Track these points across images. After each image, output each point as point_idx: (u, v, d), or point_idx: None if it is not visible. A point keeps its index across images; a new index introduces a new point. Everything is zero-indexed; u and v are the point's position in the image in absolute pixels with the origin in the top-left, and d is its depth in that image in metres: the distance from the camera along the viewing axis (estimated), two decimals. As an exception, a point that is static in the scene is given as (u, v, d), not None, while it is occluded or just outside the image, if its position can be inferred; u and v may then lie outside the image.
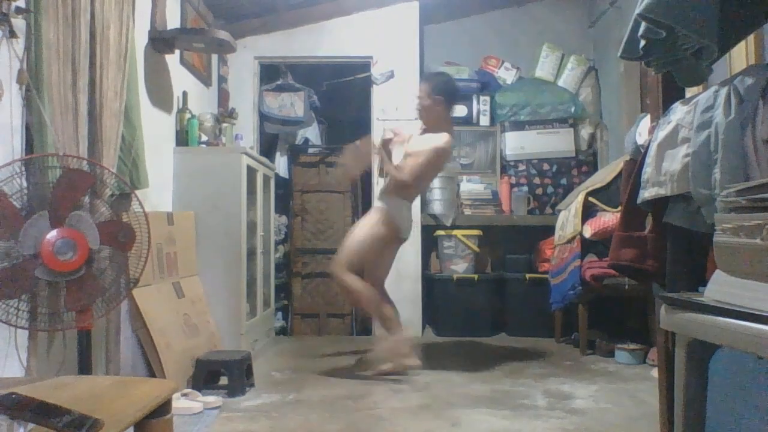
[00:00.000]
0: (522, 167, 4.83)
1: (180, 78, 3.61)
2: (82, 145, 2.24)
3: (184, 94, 3.60)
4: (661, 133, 1.70)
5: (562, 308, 4.04)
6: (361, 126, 4.98)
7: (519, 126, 4.82)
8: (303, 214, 4.82)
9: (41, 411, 1.00)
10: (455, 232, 4.48)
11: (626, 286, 3.50)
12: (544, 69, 4.93)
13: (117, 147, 2.49)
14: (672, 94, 1.85)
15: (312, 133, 5.25)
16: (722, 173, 1.45)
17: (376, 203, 3.55)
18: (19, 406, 0.99)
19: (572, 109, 4.79)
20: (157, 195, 3.22)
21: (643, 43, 1.62)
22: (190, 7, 3.72)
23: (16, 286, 1.80)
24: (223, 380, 2.95)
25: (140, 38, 3.03)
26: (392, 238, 3.40)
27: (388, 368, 3.28)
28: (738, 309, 1.17)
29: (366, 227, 3.40)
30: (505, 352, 3.91)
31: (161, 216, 3.10)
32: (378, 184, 4.67)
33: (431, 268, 4.68)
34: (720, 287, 1.28)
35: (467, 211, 4.66)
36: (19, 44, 2.05)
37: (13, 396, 0.99)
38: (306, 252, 4.78)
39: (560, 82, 4.90)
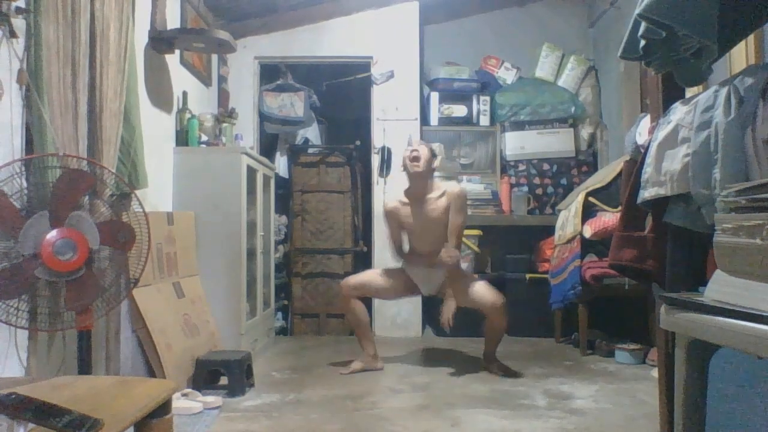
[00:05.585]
0: (522, 167, 4.83)
1: (180, 78, 3.61)
2: (82, 145, 2.24)
3: (184, 94, 3.60)
4: (661, 133, 1.70)
5: (562, 308, 4.04)
6: (361, 126, 4.99)
7: (519, 126, 4.82)
8: (303, 214, 4.82)
9: (41, 411, 1.00)
10: (455, 232, 4.47)
11: (626, 286, 3.50)
12: (544, 69, 4.93)
13: (117, 147, 2.49)
14: (672, 94, 1.85)
15: (312, 133, 5.25)
16: (722, 173, 1.45)
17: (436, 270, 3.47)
18: (19, 406, 0.99)
19: (572, 109, 4.79)
20: (157, 195, 3.22)
21: (643, 43, 1.62)
22: (190, 7, 3.72)
23: (16, 286, 1.80)
24: (223, 380, 2.95)
25: (140, 38, 3.03)
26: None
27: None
28: (738, 309, 1.17)
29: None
30: (505, 352, 3.90)
31: (161, 216, 3.10)
32: (377, 184, 4.68)
33: (431, 268, 4.67)
34: (720, 287, 1.28)
35: (467, 211, 4.66)
36: (19, 44, 2.05)
37: (13, 396, 0.99)
38: (306, 252, 4.78)
39: (560, 82, 4.90)
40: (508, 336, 4.45)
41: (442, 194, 3.43)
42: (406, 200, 3.50)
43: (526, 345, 4.14)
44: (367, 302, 4.79)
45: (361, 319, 3.50)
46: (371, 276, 3.59)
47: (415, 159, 3.39)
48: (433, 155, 3.50)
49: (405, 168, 3.46)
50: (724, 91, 1.51)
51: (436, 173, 3.65)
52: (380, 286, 3.53)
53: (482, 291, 3.40)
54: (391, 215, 3.53)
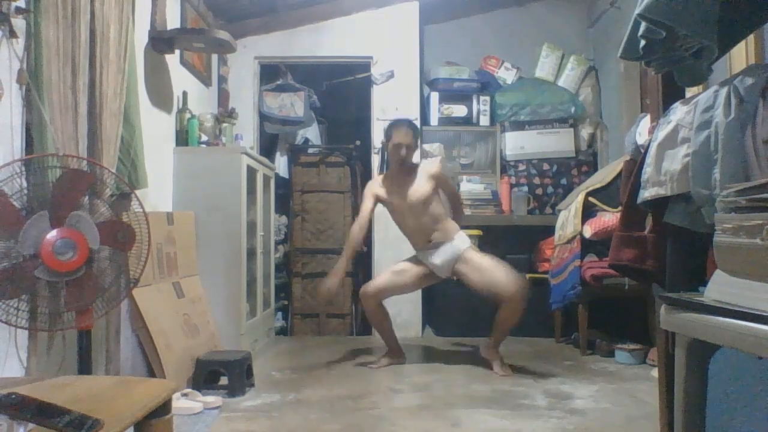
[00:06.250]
0: (522, 167, 4.83)
1: (180, 78, 3.61)
2: (82, 145, 2.24)
3: (184, 94, 3.60)
4: (661, 133, 1.70)
5: (562, 308, 4.04)
6: (361, 126, 4.99)
7: (519, 126, 4.82)
8: (303, 214, 4.82)
9: (41, 411, 1.00)
10: (455, 232, 4.47)
11: (626, 286, 3.50)
12: (544, 69, 4.93)
13: (117, 147, 2.49)
14: (672, 94, 1.85)
15: (312, 133, 5.25)
16: (722, 173, 1.45)
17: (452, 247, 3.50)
18: (19, 406, 0.98)
19: (572, 109, 4.79)
20: (157, 195, 3.22)
21: (643, 43, 1.62)
22: (190, 7, 3.72)
23: (16, 286, 1.80)
24: (223, 380, 2.95)
25: (140, 38, 3.03)
26: None
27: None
28: (738, 309, 1.17)
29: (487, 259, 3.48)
30: (505, 352, 3.90)
31: (161, 216, 3.10)
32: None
33: (431, 268, 4.67)
34: (720, 287, 1.28)
35: (467, 211, 4.66)
36: (19, 44, 2.05)
37: (13, 396, 0.99)
38: (306, 252, 4.78)
39: (560, 82, 4.90)
40: (508, 336, 4.46)
41: (422, 174, 3.48)
42: (388, 183, 3.55)
43: (526, 345, 4.14)
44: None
45: (383, 323, 3.62)
46: (387, 278, 3.59)
47: (407, 149, 3.45)
48: (415, 135, 3.54)
49: (392, 156, 3.53)
50: (724, 91, 1.51)
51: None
52: (398, 284, 3.58)
53: (499, 272, 3.36)
54: (373, 196, 3.54)
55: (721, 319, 1.20)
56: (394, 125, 3.53)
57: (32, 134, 2.09)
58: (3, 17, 1.95)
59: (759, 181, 1.22)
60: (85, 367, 2.02)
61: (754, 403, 1.65)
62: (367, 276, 4.75)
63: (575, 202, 3.98)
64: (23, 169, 1.92)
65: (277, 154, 4.95)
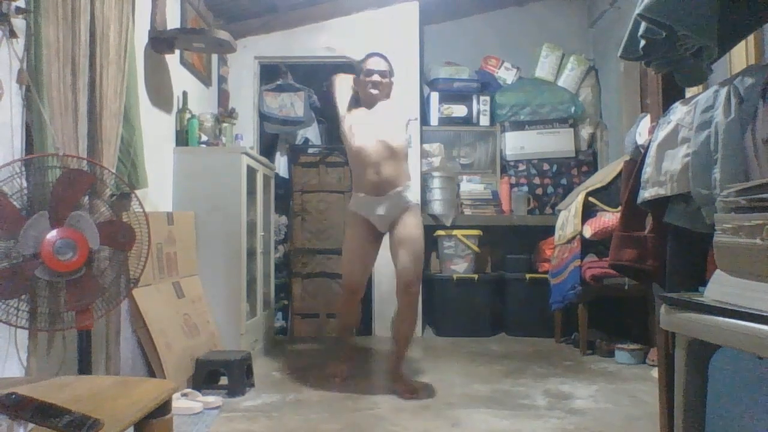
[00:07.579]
0: (522, 167, 4.83)
1: (180, 78, 3.61)
2: (82, 145, 2.24)
3: (184, 94, 3.60)
4: (661, 133, 1.70)
5: (562, 308, 4.04)
6: (361, 126, 4.98)
7: (519, 126, 4.82)
8: (303, 214, 4.82)
9: (41, 411, 1.00)
10: (455, 232, 4.48)
11: (626, 286, 3.50)
12: (544, 69, 4.93)
13: (117, 147, 2.49)
14: (672, 94, 1.85)
15: (312, 133, 5.25)
16: (722, 173, 1.45)
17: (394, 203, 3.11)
18: (19, 406, 0.99)
19: (572, 109, 4.79)
20: (157, 195, 3.22)
21: (643, 43, 1.62)
22: (190, 7, 3.72)
23: (16, 286, 1.80)
24: (223, 380, 2.95)
25: (140, 38, 3.03)
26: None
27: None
28: (738, 309, 1.17)
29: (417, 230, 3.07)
30: (505, 352, 3.91)
31: (161, 216, 3.09)
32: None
33: (431, 268, 4.68)
34: (720, 287, 1.28)
35: (467, 211, 4.67)
36: (19, 44, 2.05)
37: (13, 396, 0.99)
38: (306, 252, 4.78)
39: (560, 82, 4.91)
40: (508, 336, 4.47)
41: (396, 108, 3.20)
42: (356, 106, 3.23)
43: (526, 345, 4.14)
44: (367, 303, 4.79)
45: (348, 323, 3.42)
46: (348, 265, 3.20)
47: (375, 87, 3.19)
48: (391, 73, 3.25)
49: (359, 88, 3.22)
50: (724, 91, 1.51)
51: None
52: (361, 263, 3.19)
53: (406, 255, 2.95)
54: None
55: (721, 319, 1.20)
56: (367, 56, 3.25)
57: (32, 134, 2.09)
58: (3, 17, 1.95)
59: (759, 181, 1.22)
60: (85, 367, 2.02)
61: (754, 403, 1.65)
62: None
63: (575, 202, 3.98)
64: (23, 169, 1.92)
65: (277, 154, 4.95)
